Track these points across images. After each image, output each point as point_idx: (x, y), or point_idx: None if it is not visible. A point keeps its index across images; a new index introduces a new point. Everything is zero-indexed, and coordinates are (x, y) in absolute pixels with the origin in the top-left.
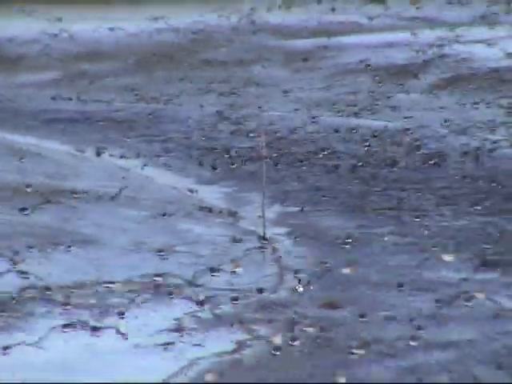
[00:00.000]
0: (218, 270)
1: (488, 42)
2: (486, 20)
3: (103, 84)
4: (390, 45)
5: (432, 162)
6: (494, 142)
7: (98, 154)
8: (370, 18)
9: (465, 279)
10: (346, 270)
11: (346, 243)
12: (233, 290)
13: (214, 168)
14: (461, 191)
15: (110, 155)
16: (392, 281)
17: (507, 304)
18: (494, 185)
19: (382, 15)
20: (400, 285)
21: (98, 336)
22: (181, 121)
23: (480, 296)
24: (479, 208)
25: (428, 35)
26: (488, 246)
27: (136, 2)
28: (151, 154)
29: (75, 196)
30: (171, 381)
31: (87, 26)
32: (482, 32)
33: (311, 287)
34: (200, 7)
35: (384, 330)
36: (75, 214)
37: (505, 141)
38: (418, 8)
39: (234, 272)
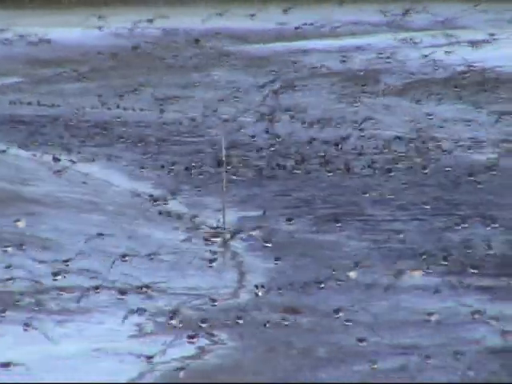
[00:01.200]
0: (180, 275)
1: (447, 47)
2: (446, 25)
3: (63, 89)
4: (352, 49)
5: (389, 165)
6: (449, 147)
7: (58, 160)
8: (334, 23)
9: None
10: (306, 275)
11: (303, 251)
12: (194, 295)
13: (174, 173)
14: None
15: (70, 160)
16: (349, 284)
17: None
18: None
19: (345, 20)
20: (369, 286)
21: (58, 340)
22: (141, 126)
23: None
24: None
25: (390, 40)
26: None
27: (95, 5)
28: (111, 159)
29: (34, 200)
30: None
31: (44, 30)
32: (441, 37)
33: (271, 292)
34: (161, 12)
35: (345, 334)
36: (35, 219)
37: (460, 147)
38: (385, 15)
39: (196, 276)
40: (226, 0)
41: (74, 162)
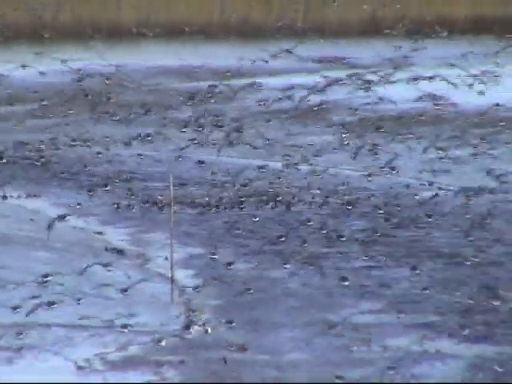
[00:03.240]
0: (127, 312)
1: (396, 84)
2: (394, 62)
3: (7, 126)
4: (297, 86)
5: (341, 202)
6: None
7: (5, 197)
8: (275, 58)
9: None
10: (253, 312)
11: (249, 287)
12: (142, 332)
13: (121, 209)
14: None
15: (18, 197)
16: (297, 322)
17: None
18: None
19: (288, 56)
20: (308, 324)
21: (4, 376)
22: (90, 163)
23: None
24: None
25: (335, 77)
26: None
27: (46, 44)
28: (59, 195)
29: None
30: None
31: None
32: (390, 74)
33: (219, 329)
34: (112, 50)
35: (292, 372)
36: None
37: (412, 187)
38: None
39: (144, 313)
40: (174, 36)
41: (22, 199)
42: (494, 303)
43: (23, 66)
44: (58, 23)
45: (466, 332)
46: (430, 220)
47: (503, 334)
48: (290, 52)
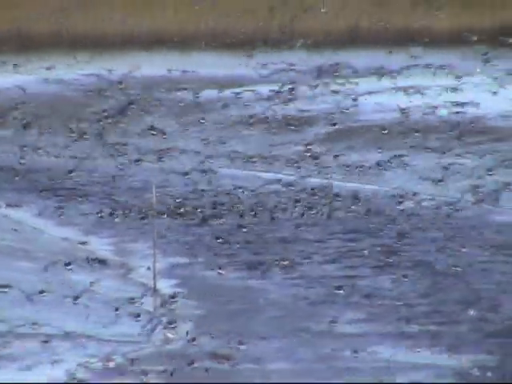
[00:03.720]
0: (111, 322)
1: (377, 94)
2: (375, 71)
3: None
4: (283, 96)
5: (321, 213)
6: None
7: None
8: (262, 68)
9: None
10: (236, 321)
11: (233, 297)
12: (125, 342)
13: (104, 219)
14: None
15: None
16: (281, 331)
17: None
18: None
19: (277, 67)
20: (292, 333)
21: None
22: (72, 172)
23: None
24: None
25: (319, 87)
26: None
27: (28, 54)
28: (43, 206)
29: None
30: None
31: None
32: (368, 84)
33: (201, 338)
34: (89, 61)
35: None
36: None
37: (389, 197)
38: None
39: (127, 323)
40: (159, 45)
41: (5, 209)
42: (472, 313)
43: (3, 76)
44: (40, 34)
45: (445, 341)
46: (410, 230)
47: (480, 343)
48: (274, 63)
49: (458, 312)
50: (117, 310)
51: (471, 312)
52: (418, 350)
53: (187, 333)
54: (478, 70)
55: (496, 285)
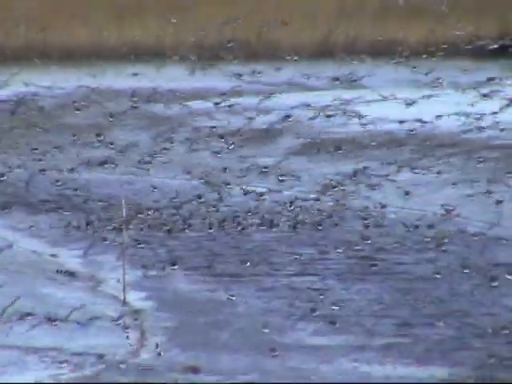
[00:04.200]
0: (81, 334)
1: (346, 107)
2: (344, 83)
3: None
4: (250, 109)
5: (288, 224)
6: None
7: None
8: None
9: None
10: (209, 332)
11: (201, 309)
12: (93, 354)
13: (73, 231)
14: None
15: None
16: (248, 343)
17: None
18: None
19: (243, 78)
20: (259, 346)
21: None
22: (41, 185)
23: None
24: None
25: (288, 100)
26: None
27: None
28: (12, 219)
29: None
30: None
31: None
32: (339, 96)
33: (172, 351)
34: (60, 70)
35: None
36: None
37: (356, 209)
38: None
39: (98, 336)
40: (128, 58)
41: None
42: (445, 323)
43: None
44: (9, 47)
45: (419, 353)
46: (379, 242)
47: (454, 355)
48: (240, 75)
49: (428, 324)
50: (86, 322)
51: (441, 323)
52: (387, 361)
53: (157, 345)
54: (444, 84)
55: (465, 296)
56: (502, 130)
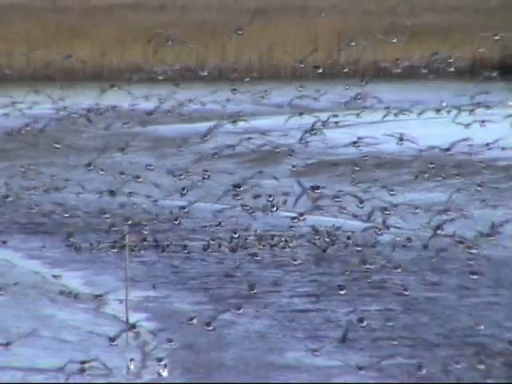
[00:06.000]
0: (84, 355)
1: (351, 130)
2: (351, 106)
3: None
4: (258, 131)
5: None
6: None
7: None
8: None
9: None
10: (212, 354)
11: (203, 330)
12: (97, 376)
13: (75, 252)
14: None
15: None
16: (249, 363)
17: None
18: None
19: (250, 101)
20: (260, 366)
21: None
22: (41, 207)
23: None
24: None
25: (297, 122)
26: None
27: None
28: (13, 239)
29: None
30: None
31: None
32: (346, 119)
33: (175, 371)
34: (62, 92)
35: None
36: None
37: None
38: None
39: (100, 356)
40: (127, 79)
41: None
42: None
43: None
44: (10, 67)
45: (420, 373)
46: (371, 261)
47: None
48: (234, 90)
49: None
50: (89, 343)
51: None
52: (383, 381)
53: (164, 365)
54: (444, 104)
55: (445, 315)
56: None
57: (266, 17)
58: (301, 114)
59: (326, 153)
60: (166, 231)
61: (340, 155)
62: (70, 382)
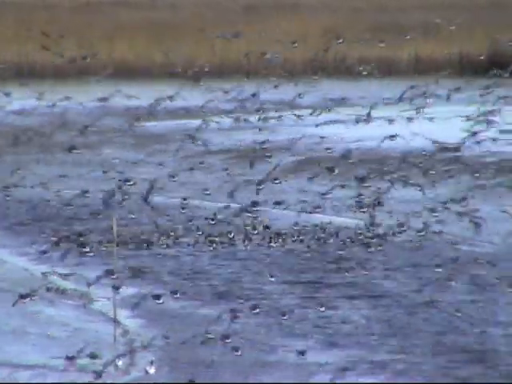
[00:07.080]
0: (73, 352)
1: (344, 124)
2: (343, 102)
3: None
4: (245, 128)
5: (278, 242)
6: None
7: None
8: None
9: None
10: (202, 351)
11: (191, 327)
12: (85, 372)
13: (65, 249)
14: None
15: None
16: (238, 361)
17: None
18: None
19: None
20: (248, 363)
21: None
22: (32, 204)
23: None
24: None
25: (288, 117)
26: None
27: None
28: (2, 236)
29: None
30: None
31: None
32: (339, 114)
33: (163, 369)
34: (54, 90)
35: None
36: None
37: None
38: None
39: (87, 354)
40: (118, 76)
41: None
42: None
43: None
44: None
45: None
46: (370, 262)
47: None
48: (226, 91)
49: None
50: (77, 340)
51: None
52: (383, 380)
53: (152, 362)
54: (428, 102)
55: (443, 319)
56: None
57: (258, 14)
58: (292, 112)
59: (317, 148)
60: (155, 227)
61: (326, 152)
62: (57, 379)
